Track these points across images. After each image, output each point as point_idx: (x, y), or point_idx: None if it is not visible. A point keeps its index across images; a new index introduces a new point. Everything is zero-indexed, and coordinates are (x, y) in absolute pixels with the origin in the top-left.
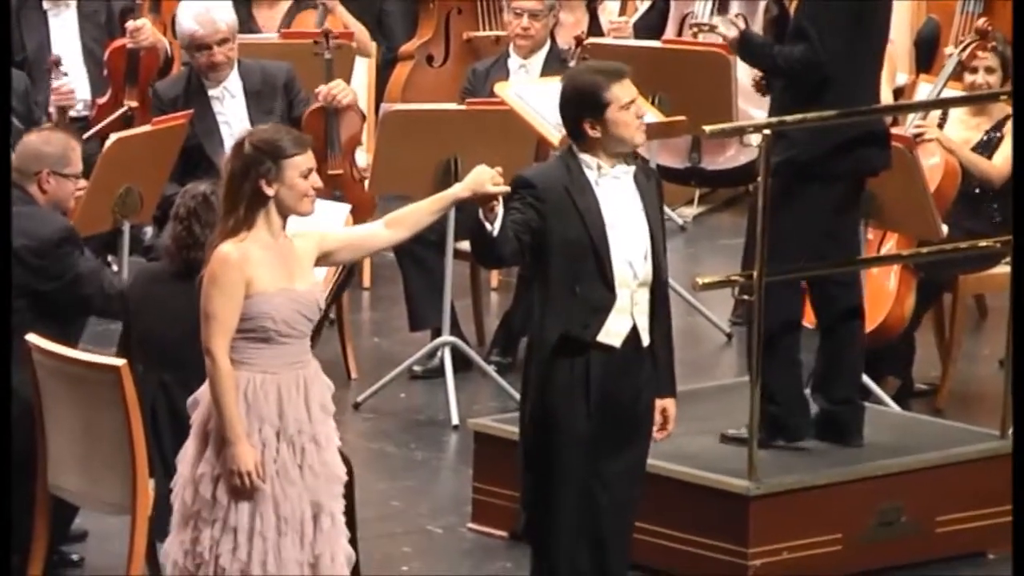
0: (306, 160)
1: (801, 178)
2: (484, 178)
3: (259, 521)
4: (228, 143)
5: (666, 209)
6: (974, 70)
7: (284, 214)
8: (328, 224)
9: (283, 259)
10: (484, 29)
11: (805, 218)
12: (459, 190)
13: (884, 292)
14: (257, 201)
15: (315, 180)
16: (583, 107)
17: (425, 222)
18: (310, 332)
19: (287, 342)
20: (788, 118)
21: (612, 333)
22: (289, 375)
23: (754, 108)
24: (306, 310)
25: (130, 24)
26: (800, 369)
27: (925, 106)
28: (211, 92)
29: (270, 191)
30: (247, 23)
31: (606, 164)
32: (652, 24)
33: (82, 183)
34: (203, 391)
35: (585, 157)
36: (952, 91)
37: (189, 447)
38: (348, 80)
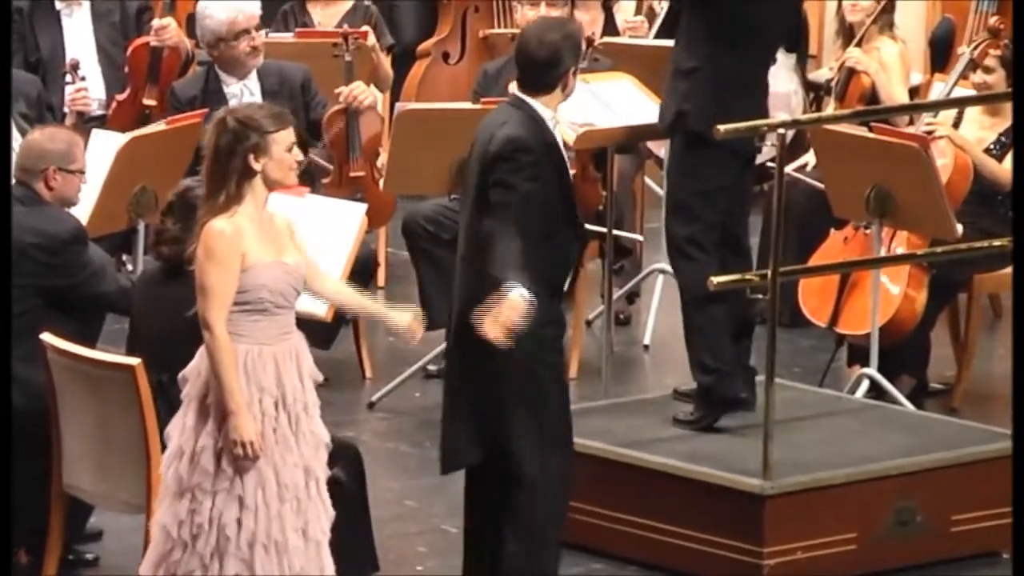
0: (289, 135)
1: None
2: (414, 335)
3: (263, 489)
4: None
5: None
6: (987, 69)
7: (270, 187)
8: (346, 223)
9: (270, 232)
10: (500, 27)
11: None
12: (395, 323)
13: (890, 292)
14: (245, 176)
15: (298, 154)
16: (574, 56)
17: (347, 310)
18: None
19: (280, 313)
20: (803, 117)
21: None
22: (283, 346)
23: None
24: (296, 283)
25: (156, 22)
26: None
27: (936, 106)
28: (229, 91)
29: (257, 165)
30: (300, 16)
31: (555, 115)
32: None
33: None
34: (195, 366)
35: (546, 110)
36: (963, 90)
37: (185, 421)
38: (365, 78)
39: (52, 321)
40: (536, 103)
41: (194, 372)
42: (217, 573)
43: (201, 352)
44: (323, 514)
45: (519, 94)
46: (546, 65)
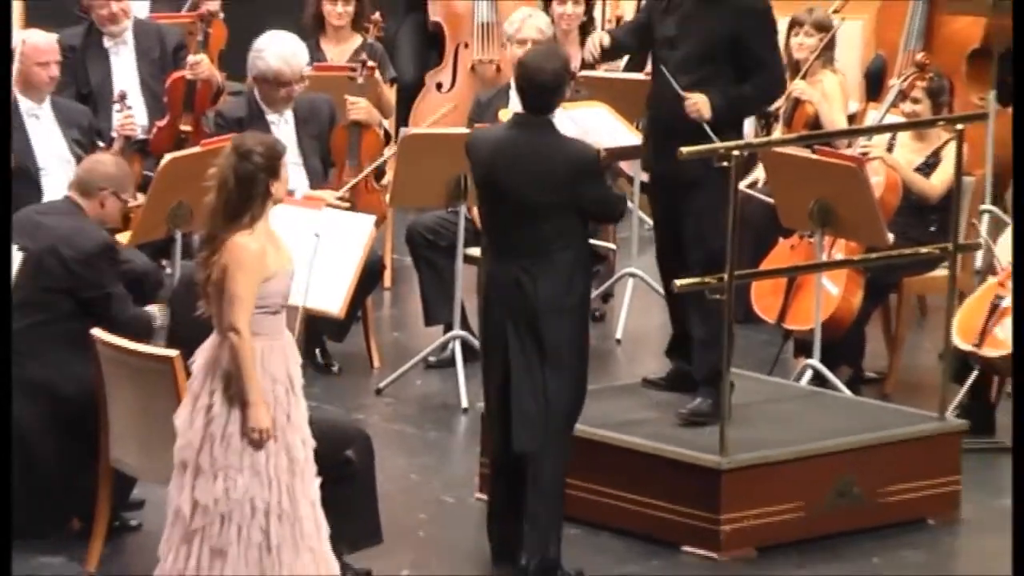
0: (284, 159)
1: None
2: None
3: (277, 466)
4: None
5: (646, 217)
6: (914, 100)
7: (275, 203)
8: (356, 232)
9: (275, 242)
10: (484, 53)
11: None
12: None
13: (831, 293)
14: (266, 197)
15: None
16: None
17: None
18: None
19: (281, 311)
20: (755, 140)
21: None
22: (285, 339)
23: None
24: (292, 283)
25: (191, 58)
26: None
27: (870, 131)
28: (269, 117)
29: (273, 189)
30: (313, 53)
31: None
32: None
33: (140, 198)
34: (211, 359)
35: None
36: (894, 117)
37: (212, 408)
38: (374, 103)
39: (81, 317)
40: (535, 119)
41: (211, 366)
42: (246, 543)
43: (214, 347)
44: (314, 477)
45: (533, 116)
46: (553, 90)
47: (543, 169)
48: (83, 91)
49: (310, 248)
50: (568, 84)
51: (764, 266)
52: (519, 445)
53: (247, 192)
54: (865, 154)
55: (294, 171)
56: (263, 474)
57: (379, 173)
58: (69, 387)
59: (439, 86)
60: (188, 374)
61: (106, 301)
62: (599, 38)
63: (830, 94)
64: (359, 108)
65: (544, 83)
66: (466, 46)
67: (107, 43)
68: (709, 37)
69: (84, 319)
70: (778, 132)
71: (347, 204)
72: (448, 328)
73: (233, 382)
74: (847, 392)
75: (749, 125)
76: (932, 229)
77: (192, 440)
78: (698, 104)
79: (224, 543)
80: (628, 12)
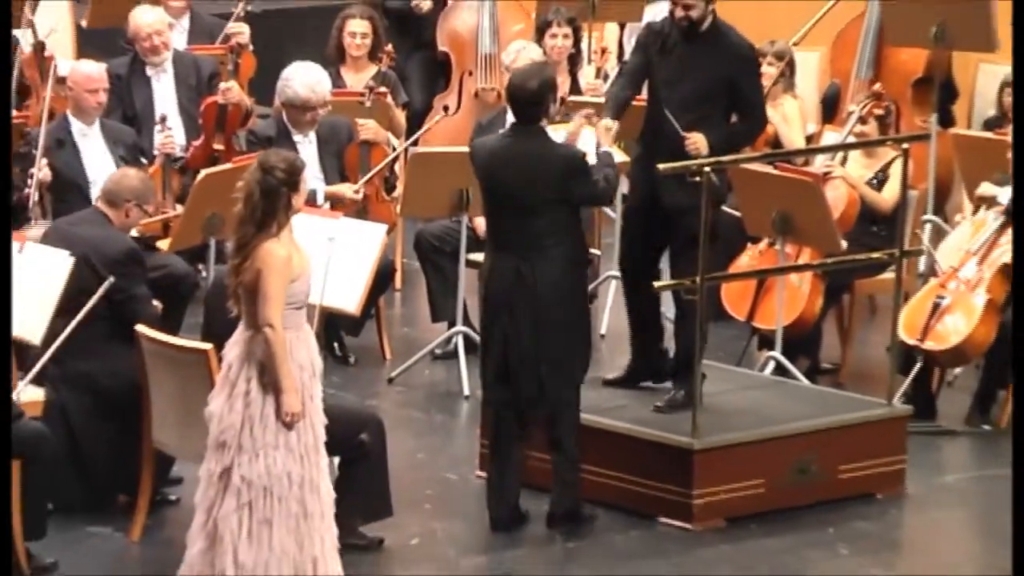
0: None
1: None
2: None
3: (306, 443)
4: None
5: None
6: (863, 121)
7: (295, 213)
8: (370, 239)
9: (297, 248)
10: (487, 83)
11: None
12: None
13: (799, 294)
14: (288, 208)
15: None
16: (553, 93)
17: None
18: None
19: (304, 307)
20: (725, 158)
21: None
22: (307, 329)
23: None
24: (313, 283)
25: (223, 85)
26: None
27: (828, 149)
28: (296, 138)
29: (294, 200)
30: (335, 80)
31: None
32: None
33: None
34: (245, 352)
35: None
36: (834, 133)
37: (250, 394)
38: (383, 124)
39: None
40: (533, 126)
41: (245, 357)
42: (286, 513)
43: (246, 340)
44: (325, 452)
45: (523, 125)
46: (535, 102)
47: (535, 170)
48: (128, 114)
49: (326, 252)
50: (552, 98)
51: (732, 270)
52: (532, 415)
53: (271, 203)
54: (827, 173)
55: (316, 185)
56: (295, 450)
57: (390, 187)
58: (109, 379)
59: (446, 108)
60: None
61: (130, 302)
62: (607, 126)
63: (790, 117)
64: (367, 128)
65: (527, 96)
66: (470, 74)
67: (149, 72)
68: (706, 80)
69: (114, 318)
70: (745, 150)
71: (360, 195)
72: (452, 324)
73: (267, 371)
74: (805, 381)
75: None
76: (882, 235)
77: (233, 422)
78: (697, 143)
79: (270, 514)
80: (612, 43)
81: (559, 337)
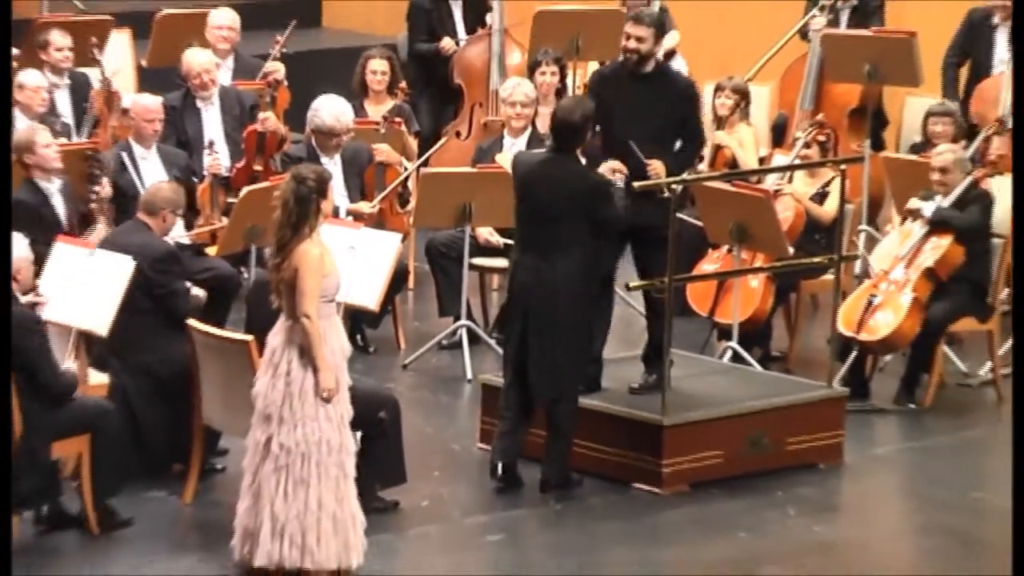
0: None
1: None
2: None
3: (341, 415)
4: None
5: None
6: (808, 146)
7: (325, 218)
8: (386, 247)
9: (326, 249)
10: (493, 115)
11: None
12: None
13: (753, 293)
14: (318, 214)
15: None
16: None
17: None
18: None
19: (334, 300)
20: (688, 177)
21: None
22: (337, 319)
23: None
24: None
25: (261, 115)
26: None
27: (778, 169)
28: (323, 160)
29: (323, 206)
30: (358, 110)
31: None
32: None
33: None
34: (287, 340)
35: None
36: (783, 157)
37: (291, 373)
38: (397, 148)
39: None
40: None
41: (286, 343)
42: (325, 475)
43: (286, 329)
44: None
45: (563, 151)
46: (576, 131)
47: (566, 185)
48: (181, 139)
49: (348, 258)
50: (590, 129)
51: (695, 272)
52: (539, 392)
53: (304, 209)
54: (777, 190)
55: (340, 202)
56: (334, 420)
57: (404, 201)
58: (161, 366)
59: (458, 134)
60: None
61: (171, 297)
62: (614, 167)
63: (745, 142)
64: (382, 152)
65: (570, 127)
66: (480, 105)
67: (199, 104)
68: (662, 118)
69: (159, 312)
70: (705, 171)
71: (376, 209)
72: (457, 319)
73: (305, 354)
74: (758, 367)
75: None
76: (823, 244)
77: (276, 399)
78: (658, 169)
79: (307, 475)
80: None
81: (571, 332)
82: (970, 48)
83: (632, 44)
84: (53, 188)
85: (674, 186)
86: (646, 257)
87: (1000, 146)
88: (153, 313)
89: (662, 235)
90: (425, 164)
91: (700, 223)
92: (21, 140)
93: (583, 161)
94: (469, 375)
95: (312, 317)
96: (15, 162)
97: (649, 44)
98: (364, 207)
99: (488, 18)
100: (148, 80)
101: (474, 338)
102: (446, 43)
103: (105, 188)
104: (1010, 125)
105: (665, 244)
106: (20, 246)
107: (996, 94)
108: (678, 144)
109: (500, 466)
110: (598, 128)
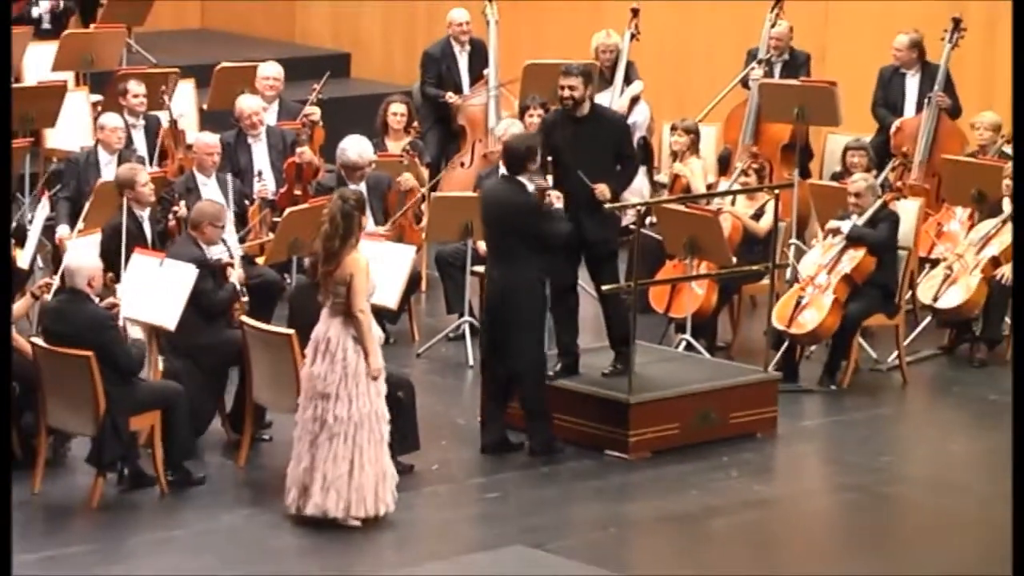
0: None
1: None
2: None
3: (380, 391)
4: None
5: None
6: (746, 174)
7: (363, 230)
8: (402, 258)
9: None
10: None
11: None
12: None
13: (696, 294)
14: (361, 227)
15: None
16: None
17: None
18: None
19: (372, 297)
20: (651, 200)
21: None
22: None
23: None
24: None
25: (299, 149)
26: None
27: (723, 194)
28: (351, 187)
29: (363, 221)
30: (380, 146)
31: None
32: None
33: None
34: (342, 331)
35: (527, 182)
36: (725, 182)
37: (347, 358)
38: (415, 178)
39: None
40: (519, 178)
41: (339, 334)
42: (376, 440)
43: (338, 323)
44: None
45: (510, 174)
46: (520, 160)
47: (509, 205)
48: (235, 169)
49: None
50: (533, 160)
51: (658, 277)
52: (500, 372)
53: (349, 223)
54: (719, 210)
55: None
56: (381, 395)
57: (419, 219)
58: (204, 353)
59: (462, 164)
60: (302, 345)
61: (209, 295)
62: (558, 195)
63: (696, 172)
64: (405, 180)
65: (515, 155)
66: (480, 140)
67: (250, 140)
68: (601, 150)
69: (199, 309)
70: (664, 195)
71: (392, 233)
72: (461, 315)
73: (358, 342)
74: (707, 355)
75: (646, 190)
76: (759, 253)
77: (334, 380)
78: (603, 190)
79: (360, 440)
80: None
81: (523, 327)
82: (887, 96)
83: (567, 92)
84: (144, 215)
85: (640, 207)
86: (594, 266)
87: (907, 177)
88: (201, 309)
89: (609, 248)
90: (434, 188)
91: (660, 237)
92: (125, 177)
93: (530, 187)
94: (471, 362)
95: (365, 311)
96: (117, 193)
97: (580, 91)
98: (379, 230)
99: (485, 72)
100: (208, 121)
101: (475, 331)
102: (451, 97)
103: (182, 209)
104: (917, 159)
105: (612, 256)
106: (92, 257)
107: (915, 130)
108: (618, 168)
109: (486, 446)
110: (550, 159)
